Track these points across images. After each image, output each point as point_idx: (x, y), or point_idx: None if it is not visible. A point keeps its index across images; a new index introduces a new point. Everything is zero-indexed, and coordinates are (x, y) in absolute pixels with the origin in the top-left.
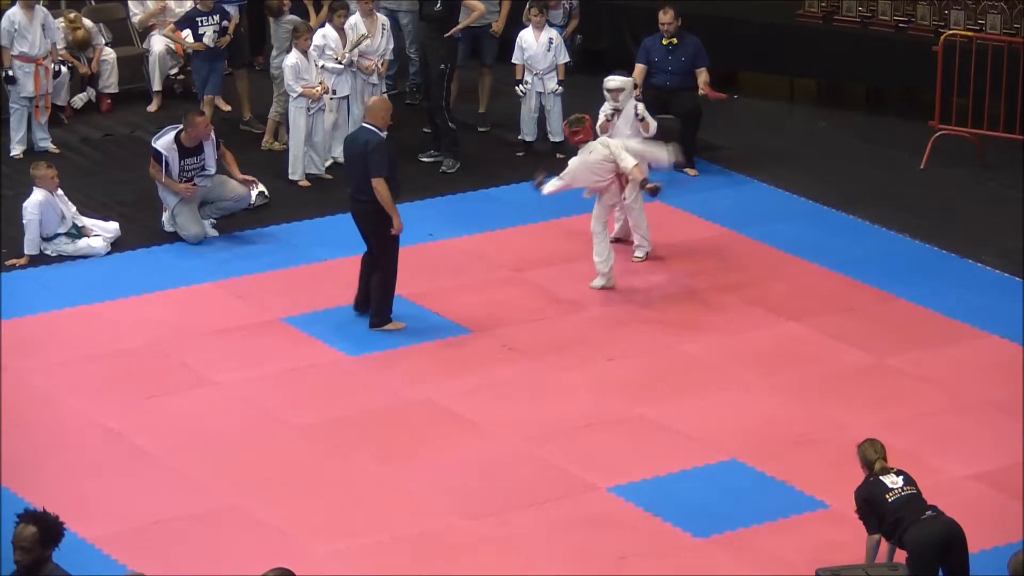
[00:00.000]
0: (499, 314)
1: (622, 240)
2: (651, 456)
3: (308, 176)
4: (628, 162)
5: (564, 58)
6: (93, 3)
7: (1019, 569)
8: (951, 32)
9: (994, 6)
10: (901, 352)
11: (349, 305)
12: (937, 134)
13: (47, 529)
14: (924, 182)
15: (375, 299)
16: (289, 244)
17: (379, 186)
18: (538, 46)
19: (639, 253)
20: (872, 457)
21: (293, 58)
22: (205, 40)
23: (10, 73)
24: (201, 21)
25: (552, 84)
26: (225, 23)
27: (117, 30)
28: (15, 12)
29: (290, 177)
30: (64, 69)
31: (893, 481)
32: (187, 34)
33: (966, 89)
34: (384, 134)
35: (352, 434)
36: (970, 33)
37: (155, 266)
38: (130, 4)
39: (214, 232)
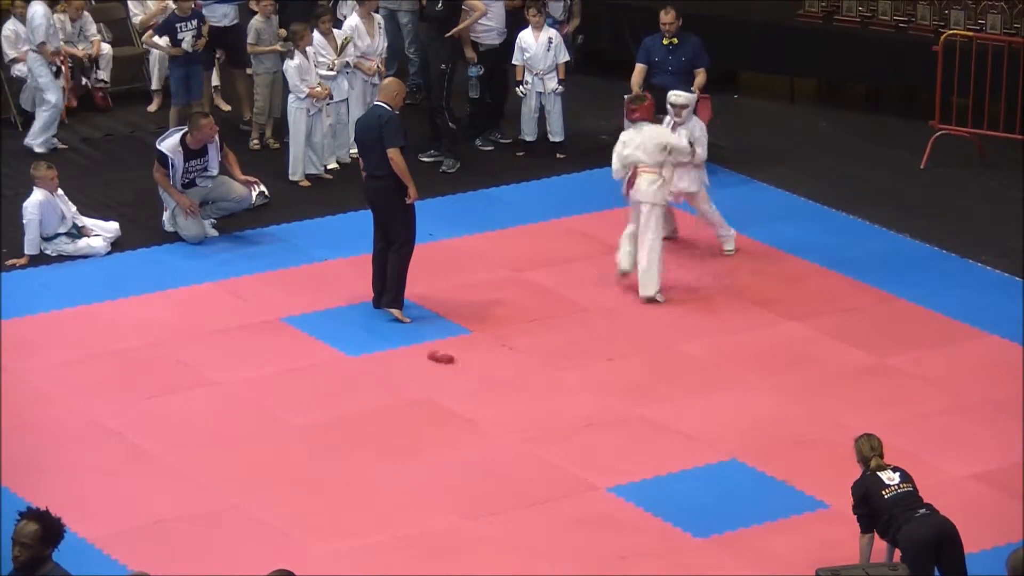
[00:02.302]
0: (499, 314)
1: (669, 238)
2: (651, 456)
3: (308, 176)
4: (681, 141)
5: (564, 57)
6: (93, 3)
7: (1018, 566)
8: (951, 32)
9: (994, 6)
10: (901, 352)
11: (349, 305)
12: (937, 134)
13: (48, 528)
14: (924, 182)
15: (392, 278)
16: (289, 244)
17: (396, 156)
18: (538, 46)
19: (729, 245)
20: (868, 453)
21: (296, 59)
22: (184, 45)
23: (54, 69)
24: (180, 27)
25: (552, 84)
26: (203, 25)
27: (117, 30)
28: (47, 10)
29: (290, 178)
30: (64, 69)
31: (890, 477)
32: (165, 41)
33: (966, 89)
34: (396, 113)
35: (352, 434)
36: (970, 33)
37: (155, 266)
38: (130, 4)
39: (214, 232)
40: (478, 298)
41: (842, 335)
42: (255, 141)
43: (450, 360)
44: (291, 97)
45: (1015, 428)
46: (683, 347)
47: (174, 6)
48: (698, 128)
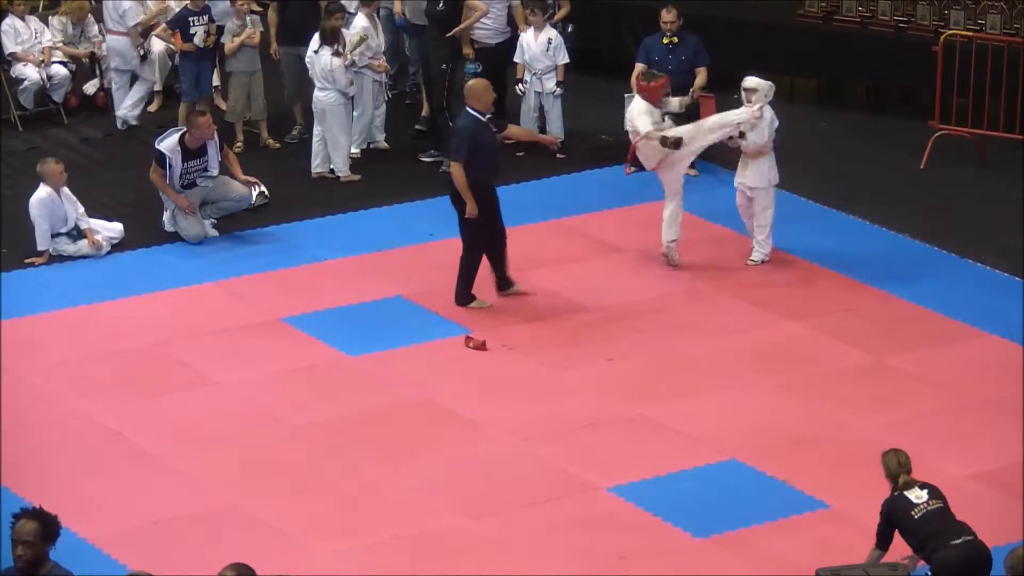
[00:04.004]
0: (499, 314)
1: None
2: (651, 456)
3: (314, 175)
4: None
5: (564, 59)
6: (93, 3)
7: (1017, 566)
8: (951, 32)
9: (994, 6)
10: (901, 352)
11: (349, 305)
12: (937, 134)
13: (47, 524)
14: (924, 182)
15: (459, 277)
16: (289, 244)
17: (454, 170)
18: (537, 46)
19: (754, 256)
20: (896, 470)
21: (338, 58)
22: (196, 40)
23: (142, 52)
24: (192, 21)
25: (551, 84)
26: (212, 22)
27: None
28: None
29: (342, 177)
30: (65, 70)
31: (917, 495)
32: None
33: (966, 89)
34: (485, 117)
35: (352, 434)
36: (970, 33)
37: (155, 266)
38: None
39: (214, 232)
40: (478, 298)
41: (842, 335)
42: (238, 144)
43: (483, 346)
44: (326, 95)
45: (1015, 428)
46: (683, 347)
47: (175, 5)
48: (766, 117)
